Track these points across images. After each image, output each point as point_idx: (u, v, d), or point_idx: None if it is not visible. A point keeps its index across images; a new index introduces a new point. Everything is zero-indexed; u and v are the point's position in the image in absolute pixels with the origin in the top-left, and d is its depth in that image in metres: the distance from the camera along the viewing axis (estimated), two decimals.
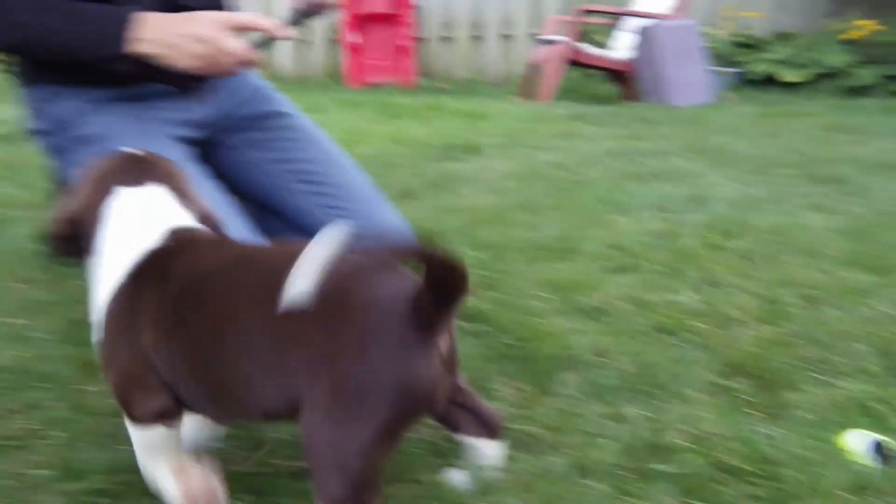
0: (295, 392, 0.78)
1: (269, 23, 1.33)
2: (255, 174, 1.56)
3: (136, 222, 0.91)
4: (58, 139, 1.39)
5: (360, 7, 6.33)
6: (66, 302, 1.48)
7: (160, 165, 0.98)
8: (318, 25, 6.89)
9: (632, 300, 1.49)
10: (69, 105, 1.36)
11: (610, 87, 5.87)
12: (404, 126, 3.79)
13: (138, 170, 0.95)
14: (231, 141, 1.56)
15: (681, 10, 5.14)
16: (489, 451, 0.93)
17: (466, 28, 6.91)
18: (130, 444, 0.90)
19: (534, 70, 5.61)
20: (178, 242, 0.89)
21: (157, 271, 0.87)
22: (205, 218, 0.97)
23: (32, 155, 2.66)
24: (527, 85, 5.62)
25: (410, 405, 0.76)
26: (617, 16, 5.56)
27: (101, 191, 0.93)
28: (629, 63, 5.17)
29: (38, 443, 1.02)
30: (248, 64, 1.33)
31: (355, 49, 6.31)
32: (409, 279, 0.79)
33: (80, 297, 1.35)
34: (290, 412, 0.79)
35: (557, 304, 1.46)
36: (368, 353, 0.75)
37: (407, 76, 6.34)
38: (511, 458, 0.96)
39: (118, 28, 1.27)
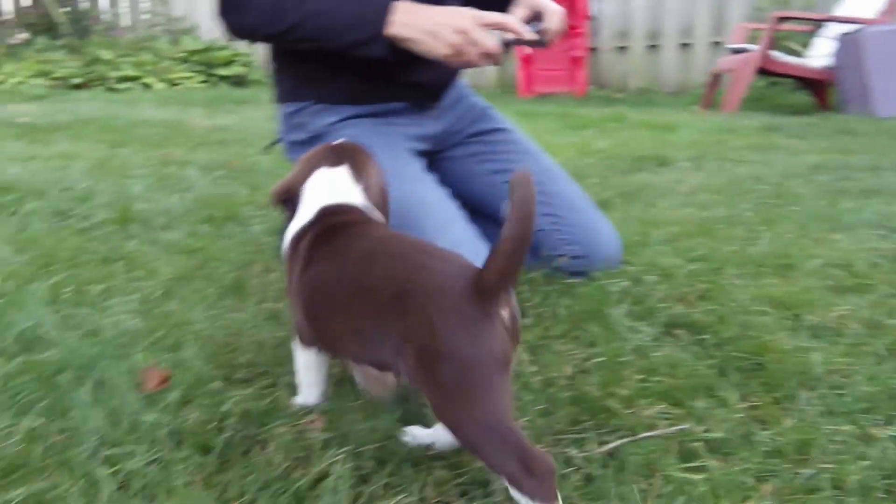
0: (387, 358, 0.93)
1: (518, 24, 1.41)
2: (476, 183, 1.66)
3: (317, 194, 1.14)
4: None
5: None
6: None
7: (353, 153, 1.19)
8: None
9: (863, 321, 1.42)
10: (327, 121, 1.53)
11: (800, 97, 5.53)
12: (588, 137, 3.80)
13: (336, 156, 1.18)
14: (455, 153, 1.68)
15: (889, 13, 4.76)
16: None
17: (643, 37, 6.79)
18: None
19: (719, 79, 5.41)
20: (330, 213, 1.11)
21: (309, 230, 1.10)
22: (376, 195, 1.17)
23: (261, 160, 2.97)
24: (710, 95, 5.43)
25: (487, 367, 0.84)
26: (814, 22, 5.23)
27: (306, 171, 1.17)
28: (827, 71, 4.85)
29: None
30: (492, 60, 1.40)
31: (528, 60, 6.39)
32: (463, 264, 0.91)
33: None
34: (383, 368, 0.98)
35: (783, 320, 1.42)
36: (438, 330, 0.85)
37: (579, 86, 6.34)
38: (766, 466, 0.96)
39: (380, 10, 1.37)
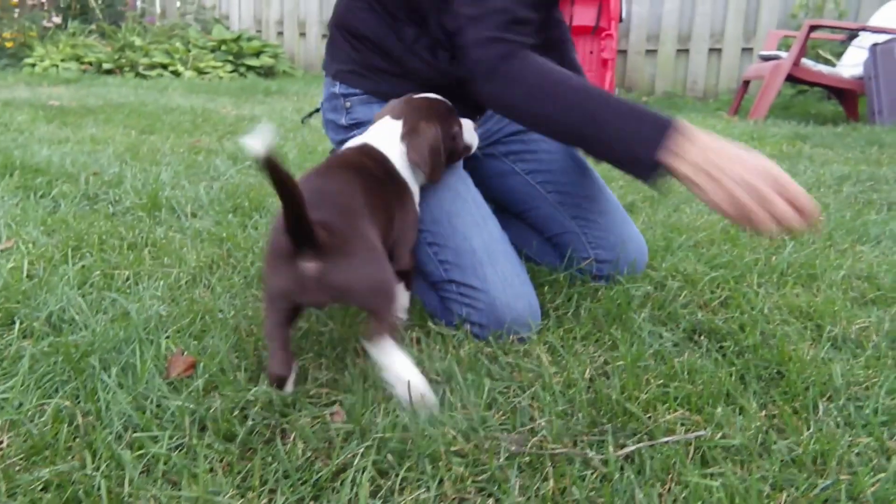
0: None
1: (813, 206, 1.15)
2: (512, 182, 1.67)
3: (370, 133, 1.39)
4: (352, 133, 1.55)
5: (566, 20, 6.40)
6: None
7: (421, 111, 1.37)
8: None
9: (885, 334, 1.41)
10: (373, 110, 1.52)
11: (829, 106, 5.48)
12: None
13: (405, 111, 1.38)
14: (493, 150, 1.68)
15: None
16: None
17: (673, 41, 6.74)
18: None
19: (748, 86, 5.37)
20: (359, 150, 1.35)
21: (339, 155, 1.36)
22: (416, 154, 1.34)
23: (289, 151, 3.00)
24: (739, 101, 5.39)
25: (269, 295, 1.13)
26: (847, 31, 5.16)
27: (383, 113, 1.41)
28: (858, 81, 4.80)
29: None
30: (782, 232, 1.15)
31: None
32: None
33: None
34: None
35: (805, 330, 1.41)
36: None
37: (607, 88, 6.31)
38: (783, 475, 0.97)
39: (660, 129, 1.17)
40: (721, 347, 1.35)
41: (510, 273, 1.40)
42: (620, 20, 6.49)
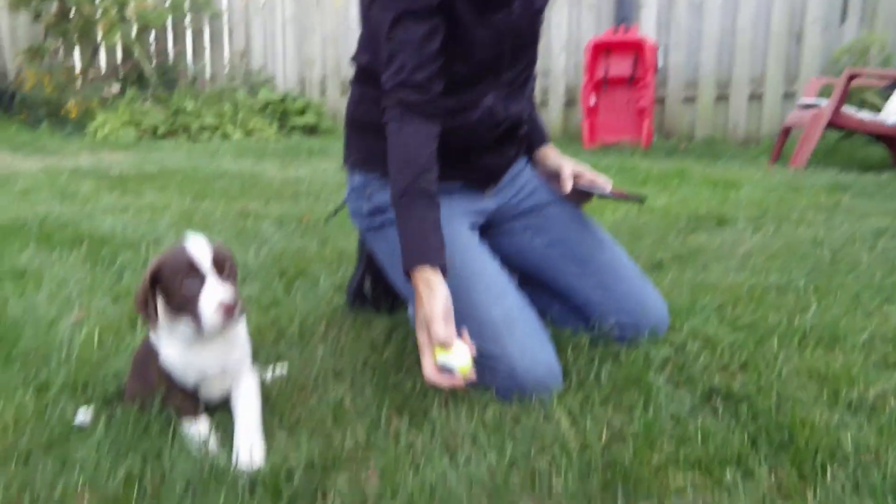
0: None
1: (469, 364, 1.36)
2: (531, 256, 1.77)
3: None
4: (375, 220, 1.70)
5: (602, 71, 6.54)
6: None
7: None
8: (555, 89, 7.21)
9: None
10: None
11: (876, 149, 5.43)
12: (650, 193, 3.86)
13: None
14: (510, 227, 1.79)
15: None
16: None
17: (711, 87, 6.80)
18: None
19: (788, 133, 5.39)
20: None
21: None
22: None
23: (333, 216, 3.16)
24: (779, 149, 5.40)
25: None
26: (890, 78, 5.16)
27: None
28: None
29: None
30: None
31: (592, 111, 6.51)
32: None
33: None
34: None
35: (822, 395, 1.46)
36: None
37: (644, 137, 6.39)
38: None
39: (416, 257, 1.41)
40: (737, 411, 1.41)
41: (530, 340, 1.49)
42: (657, 69, 6.60)
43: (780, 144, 5.43)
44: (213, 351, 1.36)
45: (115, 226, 2.98)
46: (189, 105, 7.32)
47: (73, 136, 6.90)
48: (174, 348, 1.35)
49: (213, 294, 1.26)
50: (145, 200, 3.66)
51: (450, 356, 1.34)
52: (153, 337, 1.38)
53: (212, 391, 1.40)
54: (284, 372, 1.60)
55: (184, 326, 1.32)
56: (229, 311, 1.26)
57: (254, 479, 1.19)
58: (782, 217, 3.20)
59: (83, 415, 1.39)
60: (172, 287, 1.28)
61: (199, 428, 1.34)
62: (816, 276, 2.27)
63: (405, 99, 1.47)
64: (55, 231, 2.88)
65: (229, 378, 1.39)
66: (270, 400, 1.46)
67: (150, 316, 1.30)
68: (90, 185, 4.12)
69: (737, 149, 6.32)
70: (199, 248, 1.29)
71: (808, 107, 5.11)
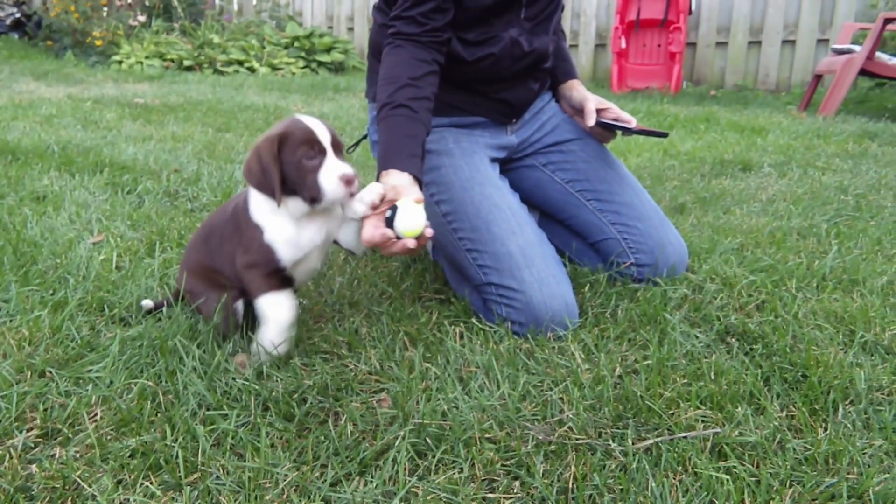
0: None
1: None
2: (550, 191, 1.75)
3: None
4: None
5: (634, 13, 6.36)
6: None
7: (271, 128, 1.36)
8: (586, 31, 7.04)
9: None
10: None
11: None
12: (677, 138, 3.79)
13: None
14: (532, 161, 1.77)
15: None
16: None
17: (744, 33, 6.60)
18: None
19: (820, 80, 5.24)
20: None
21: None
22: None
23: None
24: (810, 96, 5.27)
25: None
26: None
27: None
28: None
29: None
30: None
31: (622, 54, 6.36)
32: None
33: None
34: None
35: (837, 336, 1.46)
36: None
37: (674, 83, 6.25)
38: (794, 473, 1.03)
39: (384, 162, 1.44)
40: (751, 350, 1.41)
41: (547, 274, 1.49)
42: (690, 12, 6.41)
43: (811, 91, 5.29)
44: (315, 226, 1.36)
45: (137, 154, 2.99)
46: (215, 38, 7.25)
47: (98, 66, 6.88)
48: (282, 223, 1.34)
49: (335, 167, 1.29)
50: (168, 131, 3.66)
51: (397, 218, 1.34)
52: (253, 213, 1.35)
53: (302, 270, 1.40)
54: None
55: (293, 202, 1.32)
56: (349, 183, 1.29)
57: (266, 399, 1.21)
58: (808, 163, 3.14)
59: (147, 302, 1.54)
60: (293, 159, 1.29)
61: (285, 298, 1.35)
62: (839, 221, 2.23)
63: (401, 30, 1.51)
64: (77, 156, 2.89)
65: (323, 255, 1.42)
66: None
67: (273, 187, 1.29)
68: (113, 113, 4.12)
69: (767, 96, 6.17)
70: (317, 125, 1.31)
71: (841, 52, 4.95)
